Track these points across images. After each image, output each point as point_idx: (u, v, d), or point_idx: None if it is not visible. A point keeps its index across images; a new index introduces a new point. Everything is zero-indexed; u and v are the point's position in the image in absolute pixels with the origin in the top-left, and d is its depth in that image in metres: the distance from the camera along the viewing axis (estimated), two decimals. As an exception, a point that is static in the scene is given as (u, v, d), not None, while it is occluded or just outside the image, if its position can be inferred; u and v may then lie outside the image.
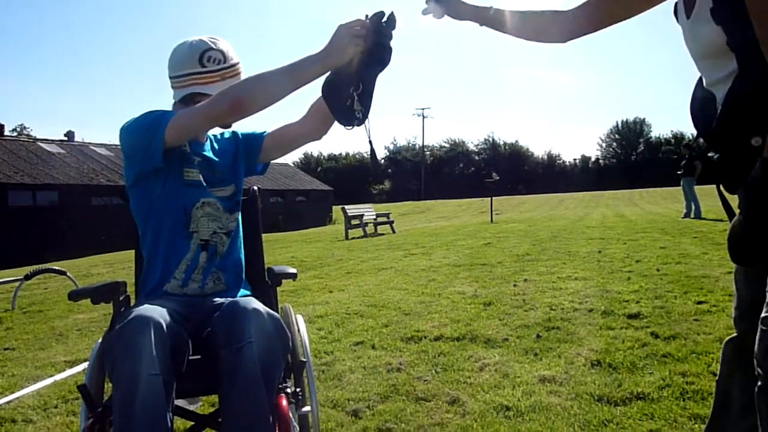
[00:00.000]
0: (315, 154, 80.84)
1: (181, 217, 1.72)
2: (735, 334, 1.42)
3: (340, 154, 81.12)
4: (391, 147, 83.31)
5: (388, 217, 17.26)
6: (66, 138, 29.59)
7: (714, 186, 1.35)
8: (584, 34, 1.53)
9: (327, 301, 5.24)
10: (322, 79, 1.51)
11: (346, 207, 16.81)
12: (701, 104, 1.30)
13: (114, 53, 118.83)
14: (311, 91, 1.59)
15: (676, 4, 1.33)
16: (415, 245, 10.67)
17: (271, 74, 1.49)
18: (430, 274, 6.59)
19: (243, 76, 1.86)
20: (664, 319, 3.75)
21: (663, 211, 18.74)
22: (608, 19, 1.45)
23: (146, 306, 1.49)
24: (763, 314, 1.15)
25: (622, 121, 79.28)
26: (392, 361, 3.21)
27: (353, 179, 71.16)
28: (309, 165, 72.84)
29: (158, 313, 1.44)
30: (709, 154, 1.27)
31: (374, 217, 17.16)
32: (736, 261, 1.21)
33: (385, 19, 1.43)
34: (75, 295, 1.69)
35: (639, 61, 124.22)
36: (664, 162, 59.58)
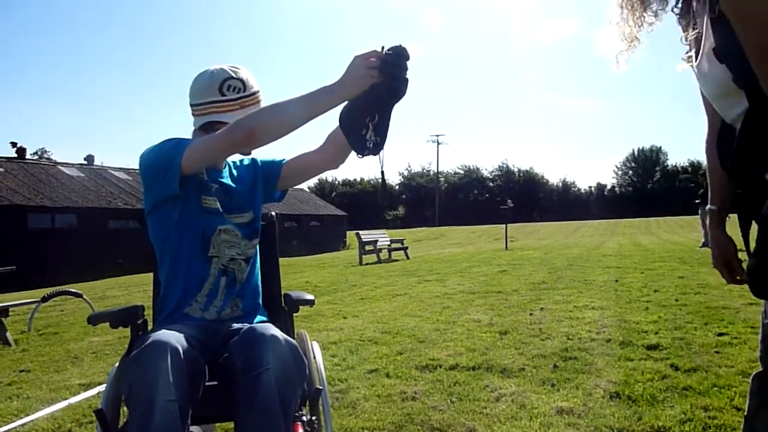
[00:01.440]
0: (330, 179, 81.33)
1: (200, 242, 1.74)
2: (761, 369, 1.39)
3: (355, 180, 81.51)
4: (406, 173, 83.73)
5: (402, 243, 17.24)
6: (86, 162, 30.09)
7: (734, 216, 1.36)
8: None
9: (341, 327, 5.21)
10: (338, 109, 1.53)
11: (360, 232, 16.83)
12: (724, 139, 1.31)
13: (136, 79, 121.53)
14: (330, 120, 1.61)
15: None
16: (430, 271, 10.63)
17: (287, 104, 1.52)
18: (444, 300, 6.54)
19: (263, 104, 1.89)
20: (684, 351, 3.67)
21: (680, 240, 18.51)
22: None
23: (164, 331, 1.49)
24: None
25: (638, 149, 79.06)
26: (407, 389, 3.17)
27: (368, 205, 71.32)
28: (323, 190, 73.23)
29: (175, 338, 1.45)
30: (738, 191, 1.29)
31: (388, 242, 17.16)
32: (756, 294, 1.19)
33: (400, 51, 1.45)
34: (94, 319, 1.70)
35: (655, 89, 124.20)
36: (681, 190, 59.13)
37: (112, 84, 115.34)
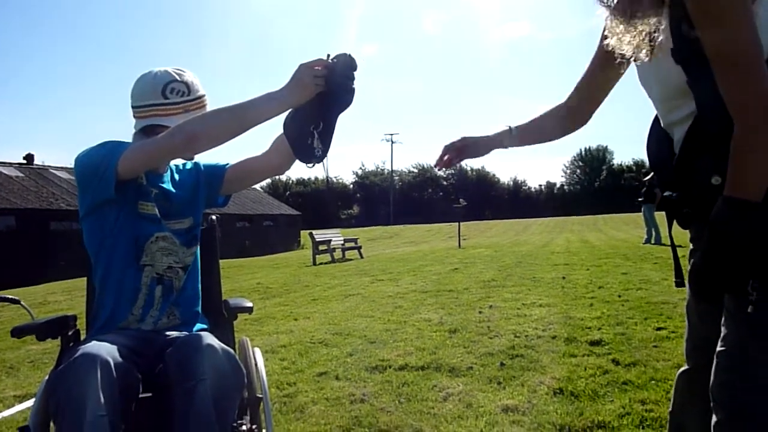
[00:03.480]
0: (283, 178, 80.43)
1: (133, 249, 1.68)
2: (687, 367, 1.44)
3: (309, 179, 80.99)
4: (360, 172, 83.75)
5: (356, 243, 17.21)
6: (25, 161, 28.80)
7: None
8: (583, 124, 1.64)
9: (291, 329, 5.16)
10: (284, 115, 1.51)
11: (313, 232, 16.72)
12: (658, 144, 1.33)
13: (78, 76, 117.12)
14: (277, 125, 1.58)
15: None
16: (383, 271, 10.64)
17: (230, 110, 1.48)
18: (396, 300, 6.57)
19: (209, 109, 1.85)
20: (625, 346, 3.80)
21: (625, 236, 19.15)
22: (596, 104, 1.59)
23: (93, 343, 1.43)
24: (719, 348, 1.17)
25: (586, 149, 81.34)
26: (356, 392, 3.16)
27: (322, 204, 70.98)
28: (277, 189, 72.36)
29: (106, 350, 1.39)
30: (666, 194, 1.29)
31: (342, 242, 17.10)
32: (700, 298, 1.23)
33: (347, 60, 1.43)
34: (18, 332, 1.62)
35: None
36: (627, 188, 61.15)
37: (52, 80, 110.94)
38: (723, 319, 1.19)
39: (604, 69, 1.46)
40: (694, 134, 1.19)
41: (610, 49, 1.32)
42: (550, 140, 1.70)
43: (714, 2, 1.06)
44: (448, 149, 1.65)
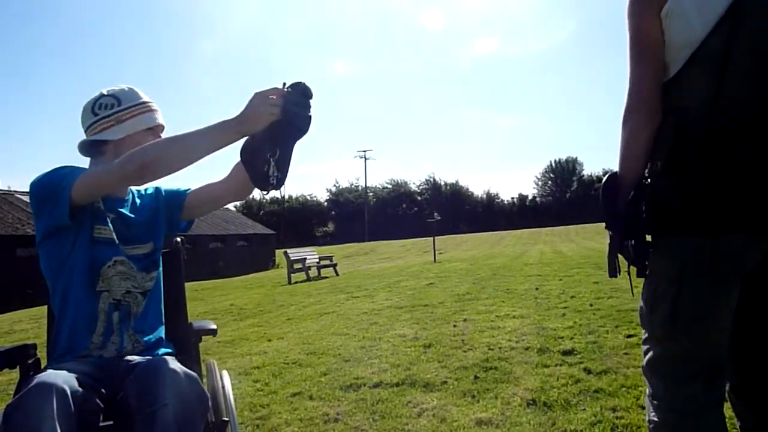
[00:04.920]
0: (257, 197, 79.91)
1: (88, 275, 1.65)
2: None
3: (283, 197, 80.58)
4: (334, 189, 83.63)
5: (332, 260, 17.15)
6: (-10, 186, 28.08)
7: None
8: None
9: (265, 350, 5.09)
10: (242, 141, 1.50)
11: (288, 251, 16.62)
12: None
13: (44, 100, 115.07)
14: (238, 150, 1.57)
15: None
16: (358, 288, 10.61)
17: (185, 137, 1.48)
18: (372, 317, 6.54)
19: (155, 115, 1.83)
20: (597, 354, 3.84)
21: (597, 246, 19.45)
22: None
23: (50, 371, 1.40)
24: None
25: (556, 161, 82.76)
26: (330, 411, 3.13)
27: (297, 222, 70.61)
28: (251, 209, 71.63)
29: (63, 378, 1.36)
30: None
31: (317, 260, 17.01)
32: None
33: (302, 89, 1.44)
34: (-27, 364, 1.57)
35: (570, 101, 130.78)
36: (597, 198, 62.04)
37: (17, 104, 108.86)
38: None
39: None
40: None
41: None
42: None
43: (629, 8, 1.28)
44: None
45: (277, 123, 1.42)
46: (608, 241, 1.49)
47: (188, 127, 1.52)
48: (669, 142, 1.26)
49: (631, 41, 1.27)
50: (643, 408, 2.73)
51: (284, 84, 1.45)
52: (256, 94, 1.43)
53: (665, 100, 1.26)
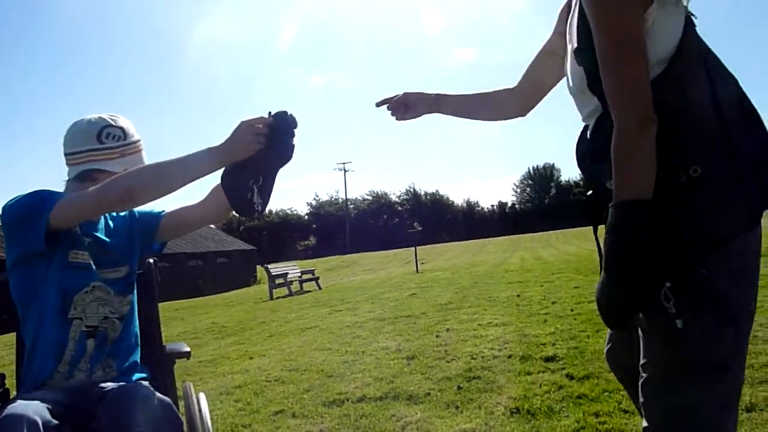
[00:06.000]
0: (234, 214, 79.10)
1: (61, 302, 1.61)
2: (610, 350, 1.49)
3: (264, 213, 79.95)
4: (314, 203, 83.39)
5: (314, 274, 17.07)
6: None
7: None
8: (535, 104, 1.66)
9: (246, 369, 5.03)
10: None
11: (269, 266, 16.50)
12: (581, 142, 1.32)
13: (12, 124, 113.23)
14: (214, 174, 1.56)
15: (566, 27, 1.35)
16: (341, 301, 10.56)
17: (167, 165, 1.47)
18: (354, 330, 6.50)
19: (144, 154, 1.83)
20: (579, 360, 3.86)
21: (577, 250, 19.65)
22: (541, 92, 1.62)
23: (20, 402, 1.36)
24: (641, 380, 1.15)
25: (534, 167, 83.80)
26: (313, 428, 3.09)
27: (277, 237, 70.18)
28: (231, 224, 70.87)
29: (33, 409, 1.32)
30: (588, 192, 1.28)
31: (299, 274, 16.93)
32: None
33: (287, 118, 1.45)
34: (-62, 395, 1.52)
35: (546, 108, 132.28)
36: (576, 203, 62.90)
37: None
38: (641, 345, 1.15)
39: (559, 50, 1.45)
40: (595, 136, 1.19)
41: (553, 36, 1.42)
42: (479, 119, 1.74)
43: (603, 4, 1.08)
44: (395, 103, 1.70)
45: (262, 151, 1.43)
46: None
47: (162, 146, 1.51)
48: (703, 142, 1.09)
49: (615, 40, 1.08)
50: (626, 412, 2.75)
51: (269, 113, 1.46)
52: (242, 123, 1.44)
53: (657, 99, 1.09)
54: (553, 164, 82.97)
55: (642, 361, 1.16)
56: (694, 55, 1.14)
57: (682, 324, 1.04)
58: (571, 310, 5.92)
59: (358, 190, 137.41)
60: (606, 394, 3.07)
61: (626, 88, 1.06)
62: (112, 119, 1.77)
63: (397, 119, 1.70)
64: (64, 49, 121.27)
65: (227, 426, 3.30)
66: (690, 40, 1.13)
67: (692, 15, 1.16)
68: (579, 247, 22.42)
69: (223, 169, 1.48)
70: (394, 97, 1.69)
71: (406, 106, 1.68)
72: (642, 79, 1.06)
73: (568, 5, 1.38)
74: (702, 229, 1.07)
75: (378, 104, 1.70)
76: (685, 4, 1.14)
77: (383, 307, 8.46)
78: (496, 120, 1.73)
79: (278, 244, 64.63)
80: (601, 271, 1.13)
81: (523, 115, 1.68)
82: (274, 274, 15.66)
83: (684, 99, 1.10)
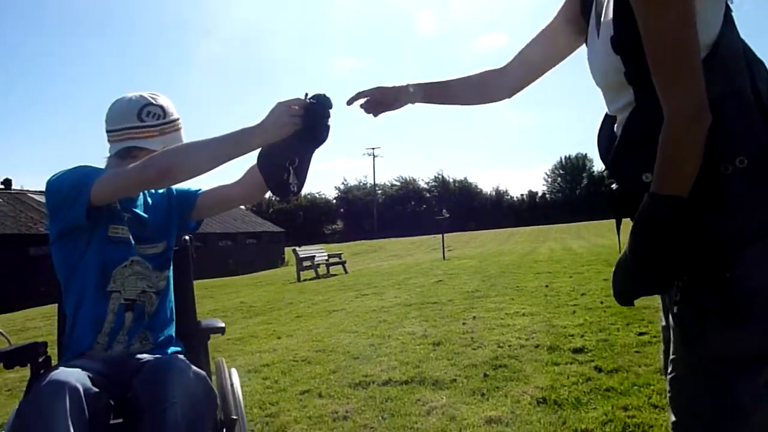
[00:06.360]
0: (267, 195, 79.88)
1: (100, 276, 1.66)
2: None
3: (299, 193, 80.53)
4: (342, 187, 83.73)
5: (341, 258, 17.18)
6: (2, 186, 28.32)
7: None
8: (525, 87, 1.58)
9: (275, 348, 5.10)
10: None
11: (297, 249, 16.66)
12: (600, 133, 1.29)
13: (55, 99, 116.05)
14: (250, 154, 1.57)
15: (588, 19, 1.30)
16: (367, 285, 10.61)
17: (205, 144, 1.48)
18: (380, 314, 6.54)
19: (183, 133, 1.85)
20: (608, 352, 3.81)
21: (608, 243, 19.33)
22: (536, 73, 1.54)
23: (62, 369, 1.40)
24: (668, 375, 1.14)
25: (566, 157, 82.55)
26: (339, 409, 3.13)
27: (306, 220, 70.77)
28: (260, 207, 71.74)
29: (75, 376, 1.36)
30: (612, 186, 1.23)
31: (326, 257, 17.04)
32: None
33: (323, 100, 1.46)
34: (-16, 361, 1.58)
35: (578, 98, 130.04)
36: (604, 194, 61.87)
37: (31, 104, 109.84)
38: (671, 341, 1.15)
39: (561, 35, 1.41)
40: (630, 128, 1.15)
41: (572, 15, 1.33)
42: (461, 104, 1.64)
43: None
44: (365, 97, 1.55)
45: (298, 132, 1.44)
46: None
47: (199, 125, 1.53)
48: (748, 131, 1.05)
49: (669, 29, 1.03)
50: (656, 407, 2.72)
51: (306, 95, 1.47)
52: (279, 104, 1.45)
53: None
54: (586, 154, 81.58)
55: (671, 357, 1.16)
56: (735, 40, 1.10)
57: (678, 312, 1.07)
58: (601, 303, 5.84)
59: (387, 175, 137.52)
60: (635, 388, 3.03)
61: (682, 80, 1.02)
62: (152, 97, 1.80)
63: (374, 116, 1.58)
64: (116, 30, 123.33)
65: (255, 402, 3.36)
66: (730, 25, 1.09)
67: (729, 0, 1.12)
68: (610, 239, 22.05)
69: (259, 149, 1.49)
70: (368, 91, 1.56)
71: (378, 102, 1.56)
72: (697, 69, 1.02)
73: None
74: (745, 220, 1.05)
75: (349, 102, 1.52)
76: None
77: (409, 293, 8.48)
78: (481, 103, 1.64)
79: (306, 227, 65.23)
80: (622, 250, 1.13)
81: (509, 97, 1.61)
82: (301, 256, 15.82)
83: (728, 86, 1.06)
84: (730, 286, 1.03)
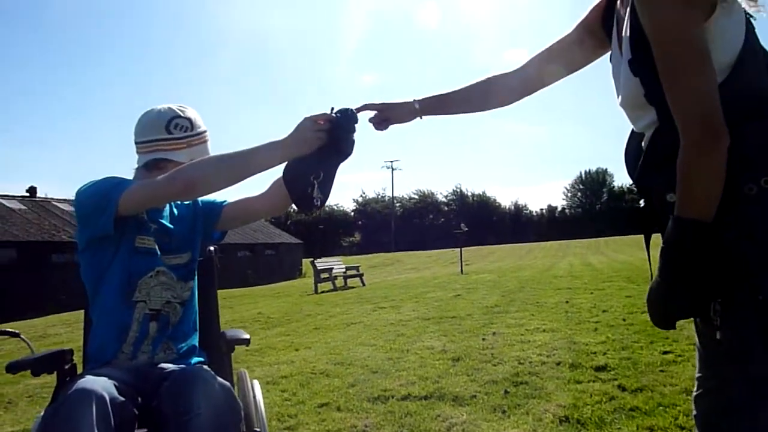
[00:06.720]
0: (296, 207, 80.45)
1: (126, 285, 1.67)
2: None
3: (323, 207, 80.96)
4: (360, 199, 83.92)
5: (358, 270, 17.17)
6: (27, 194, 28.90)
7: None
8: (534, 92, 1.56)
9: (292, 360, 5.10)
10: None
11: (315, 260, 16.69)
12: (627, 150, 1.27)
13: (82, 110, 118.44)
14: (276, 167, 1.58)
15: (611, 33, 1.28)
16: (385, 298, 10.58)
17: (231, 157, 1.50)
18: (398, 328, 6.51)
19: (209, 145, 1.87)
20: (631, 371, 3.74)
21: (628, 259, 19.09)
22: (547, 80, 1.52)
23: (88, 377, 1.41)
24: (694, 392, 1.13)
25: (586, 172, 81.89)
26: (357, 423, 3.11)
27: (324, 232, 70.97)
28: (279, 218, 72.26)
29: (101, 385, 1.37)
30: (639, 202, 1.22)
31: (344, 270, 17.04)
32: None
33: (349, 114, 1.47)
34: (13, 368, 1.60)
35: (599, 113, 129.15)
36: (628, 210, 61.20)
37: (56, 113, 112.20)
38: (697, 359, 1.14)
39: (578, 46, 1.40)
40: (652, 147, 1.14)
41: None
42: (470, 111, 1.63)
43: (664, 15, 1.01)
44: (371, 110, 1.56)
45: (323, 146, 1.45)
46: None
47: (225, 138, 1.54)
48: None
49: (677, 50, 1.02)
50: (683, 429, 2.65)
51: (332, 109, 1.48)
52: (306, 118, 1.46)
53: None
54: (606, 169, 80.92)
55: (697, 375, 1.15)
56: (758, 56, 1.08)
57: (722, 337, 1.03)
58: (623, 320, 5.75)
59: (405, 188, 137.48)
60: (661, 408, 2.97)
61: (692, 101, 1.00)
62: (180, 110, 1.82)
63: (381, 130, 1.59)
64: (146, 41, 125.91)
65: (273, 415, 3.35)
66: (753, 41, 1.08)
67: (750, 16, 1.10)
68: (630, 255, 21.78)
69: (285, 162, 1.50)
70: (374, 105, 1.57)
71: (384, 118, 1.57)
72: (709, 89, 1.00)
73: (608, 4, 1.32)
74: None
75: (358, 109, 1.53)
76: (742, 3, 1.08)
77: (427, 307, 8.44)
78: (484, 111, 1.63)
79: (324, 239, 65.38)
80: (652, 276, 1.12)
81: (507, 105, 1.59)
82: (319, 268, 15.84)
83: (752, 104, 1.05)
84: (761, 308, 1.00)
